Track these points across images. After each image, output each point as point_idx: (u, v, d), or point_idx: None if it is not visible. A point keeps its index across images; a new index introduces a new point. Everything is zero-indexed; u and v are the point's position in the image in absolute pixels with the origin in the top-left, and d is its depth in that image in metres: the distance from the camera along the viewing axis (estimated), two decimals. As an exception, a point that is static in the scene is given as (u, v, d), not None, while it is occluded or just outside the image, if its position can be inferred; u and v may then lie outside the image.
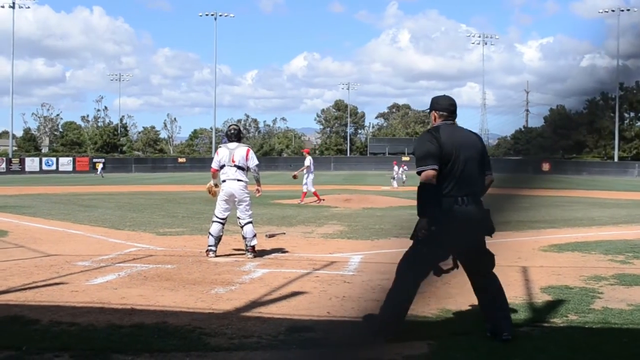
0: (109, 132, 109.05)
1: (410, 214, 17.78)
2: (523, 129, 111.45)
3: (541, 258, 10.65)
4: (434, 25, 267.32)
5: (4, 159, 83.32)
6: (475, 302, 6.12)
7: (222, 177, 10.64)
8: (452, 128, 5.86)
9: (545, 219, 16.61)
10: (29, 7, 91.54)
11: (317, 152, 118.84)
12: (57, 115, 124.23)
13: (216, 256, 10.48)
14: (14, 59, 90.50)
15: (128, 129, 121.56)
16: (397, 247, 11.71)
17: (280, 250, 11.34)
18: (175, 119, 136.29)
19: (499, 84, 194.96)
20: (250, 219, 10.67)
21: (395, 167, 42.64)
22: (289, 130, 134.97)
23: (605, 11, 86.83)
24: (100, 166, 75.94)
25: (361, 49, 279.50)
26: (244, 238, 10.62)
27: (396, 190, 36.13)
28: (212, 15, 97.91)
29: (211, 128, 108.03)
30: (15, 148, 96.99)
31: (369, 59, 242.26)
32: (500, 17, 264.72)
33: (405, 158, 75.62)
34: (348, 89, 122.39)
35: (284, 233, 13.94)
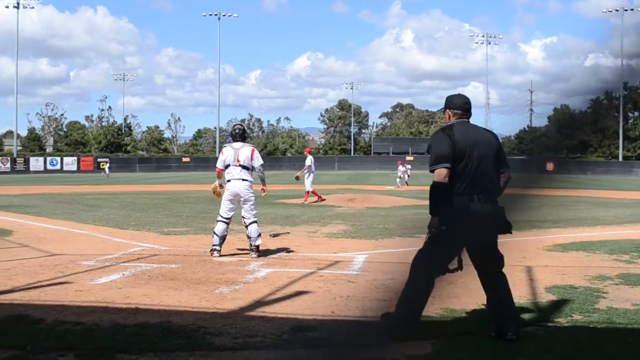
0: (113, 131, 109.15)
1: (414, 214, 17.81)
2: (527, 129, 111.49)
3: (546, 258, 10.63)
4: (437, 25, 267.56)
5: (9, 158, 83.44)
6: (480, 301, 6.12)
7: (227, 177, 10.65)
8: (466, 126, 5.88)
9: (549, 219, 16.58)
10: (33, 7, 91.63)
11: (320, 151, 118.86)
12: (62, 115, 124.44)
13: (220, 256, 10.49)
14: (19, 58, 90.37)
15: (132, 128, 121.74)
16: (402, 247, 11.76)
17: (285, 250, 11.35)
18: (179, 118, 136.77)
19: (502, 84, 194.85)
20: (255, 219, 10.68)
21: (401, 167, 42.59)
22: (293, 130, 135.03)
23: (609, 11, 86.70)
24: (107, 165, 76.04)
25: (364, 49, 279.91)
26: (249, 237, 10.62)
27: (400, 189, 36.11)
28: (215, 15, 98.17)
29: (215, 128, 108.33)
30: (19, 148, 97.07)
31: (372, 58, 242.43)
32: (503, 16, 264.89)
33: (410, 158, 75.57)
34: (352, 88, 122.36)
35: (288, 232, 13.95)
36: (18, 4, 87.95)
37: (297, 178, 24.72)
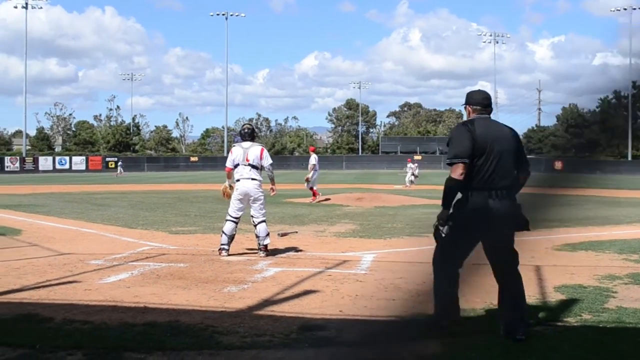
0: (122, 131, 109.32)
1: (423, 213, 17.76)
2: (535, 128, 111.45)
3: (554, 257, 10.59)
4: (444, 24, 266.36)
5: (18, 158, 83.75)
6: (489, 300, 6.10)
7: (236, 176, 10.66)
8: (487, 122, 5.89)
9: (558, 218, 16.50)
10: (41, 8, 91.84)
11: (328, 151, 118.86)
12: (70, 114, 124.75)
13: (229, 255, 10.50)
14: (27, 59, 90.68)
15: (140, 128, 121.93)
16: (410, 246, 11.75)
17: (293, 249, 11.35)
18: (187, 118, 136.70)
19: (510, 83, 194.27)
20: (264, 218, 10.69)
21: (410, 164, 42.52)
22: (301, 129, 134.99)
23: (618, 10, 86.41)
24: (119, 164, 76.24)
25: (372, 48, 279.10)
26: (257, 237, 10.63)
27: (408, 189, 36.07)
28: (223, 15, 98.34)
29: (223, 127, 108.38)
30: (28, 147, 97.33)
31: (380, 57, 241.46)
32: (511, 16, 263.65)
33: (418, 157, 75.47)
34: (359, 87, 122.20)
35: (296, 232, 13.95)
36: (26, 4, 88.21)
37: (307, 180, 24.71)
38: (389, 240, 12.78)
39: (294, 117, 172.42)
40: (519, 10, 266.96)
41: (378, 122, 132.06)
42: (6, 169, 79.04)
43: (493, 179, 5.64)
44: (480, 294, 6.72)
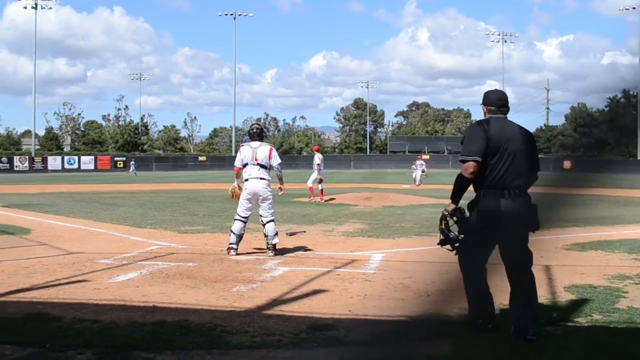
0: (130, 131, 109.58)
1: (431, 212, 17.70)
2: (544, 127, 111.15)
3: (564, 257, 10.55)
4: (452, 23, 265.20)
5: (27, 157, 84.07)
6: (499, 300, 6.07)
7: (244, 176, 10.66)
8: (502, 121, 5.91)
9: (568, 217, 16.44)
10: (50, 8, 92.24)
11: (336, 150, 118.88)
12: (79, 114, 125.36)
13: (237, 254, 10.50)
14: (37, 59, 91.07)
15: (149, 127, 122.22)
16: (419, 246, 11.73)
17: (301, 249, 11.34)
18: (195, 117, 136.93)
19: (519, 82, 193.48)
20: (273, 217, 10.69)
21: (419, 161, 42.43)
22: (309, 129, 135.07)
23: (626, 8, 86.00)
24: (132, 163, 76.45)
25: (380, 48, 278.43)
26: (266, 236, 10.63)
27: (416, 188, 36.02)
28: (231, 14, 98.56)
29: (231, 127, 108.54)
30: (37, 147, 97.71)
31: (388, 57, 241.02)
32: (519, 15, 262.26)
33: (426, 156, 75.35)
34: (367, 87, 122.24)
35: (305, 231, 13.94)
36: (36, 4, 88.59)
37: (320, 180, 24.74)
38: (397, 240, 12.76)
39: (302, 117, 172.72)
40: (527, 9, 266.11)
41: (386, 121, 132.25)
42: (15, 169, 79.42)
43: (506, 179, 5.65)
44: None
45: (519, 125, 5.98)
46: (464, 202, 5.82)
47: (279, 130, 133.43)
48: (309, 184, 24.72)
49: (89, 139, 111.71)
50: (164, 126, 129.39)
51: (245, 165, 10.66)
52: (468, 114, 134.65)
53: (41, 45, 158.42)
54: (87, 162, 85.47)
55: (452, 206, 5.80)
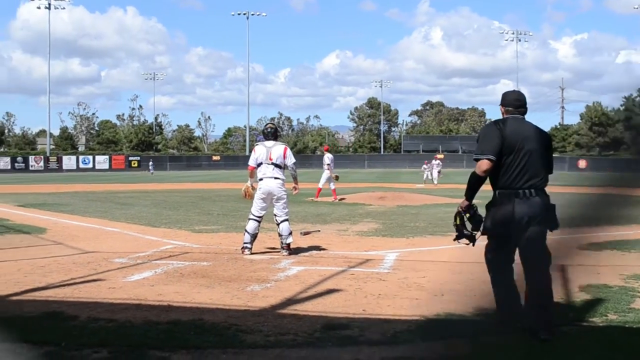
0: (144, 130, 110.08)
1: (445, 212, 17.63)
2: (559, 126, 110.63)
3: (579, 256, 10.49)
4: (466, 22, 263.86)
5: (42, 157, 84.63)
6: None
7: (259, 175, 10.67)
8: (518, 122, 5.91)
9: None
10: (64, 8, 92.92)
11: (350, 150, 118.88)
12: (93, 114, 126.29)
13: (251, 253, 10.51)
14: (51, 59, 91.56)
15: (163, 127, 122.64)
16: (433, 245, 11.70)
17: (315, 248, 11.34)
18: (209, 117, 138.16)
19: (533, 81, 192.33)
20: (287, 217, 10.69)
21: (438, 162, 42.37)
22: (323, 128, 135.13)
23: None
24: (150, 163, 76.83)
25: (393, 47, 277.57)
26: (280, 235, 10.64)
27: (431, 187, 35.96)
28: (244, 14, 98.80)
29: (245, 126, 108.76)
30: (52, 147, 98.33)
31: (401, 56, 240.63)
32: (532, 14, 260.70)
33: (440, 155, 75.24)
34: (381, 86, 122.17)
35: (319, 230, 13.95)
36: (49, 4, 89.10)
37: (336, 177, 24.75)
38: (411, 239, 12.74)
39: (316, 116, 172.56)
40: (540, 8, 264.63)
41: (400, 120, 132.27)
42: (31, 168, 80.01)
43: (521, 178, 5.66)
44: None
45: (535, 126, 5.97)
46: (481, 202, 5.82)
47: (292, 130, 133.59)
48: (320, 184, 24.66)
49: (104, 138, 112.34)
50: (177, 126, 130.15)
51: (259, 165, 10.67)
52: (482, 113, 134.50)
53: (55, 46, 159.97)
54: (102, 161, 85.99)
55: (466, 203, 5.89)
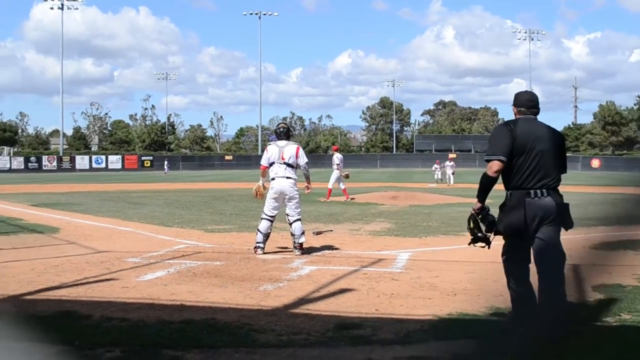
0: (157, 130, 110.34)
1: (457, 211, 17.58)
2: (572, 125, 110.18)
3: (592, 256, 10.45)
4: (478, 21, 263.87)
5: (55, 157, 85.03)
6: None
7: (271, 175, 10.68)
8: (530, 122, 5.89)
9: (595, 216, 16.31)
10: (77, 9, 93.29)
11: (362, 149, 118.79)
12: (106, 114, 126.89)
13: (264, 253, 10.52)
14: (64, 59, 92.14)
15: (175, 127, 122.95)
16: (446, 245, 11.68)
17: (328, 248, 11.34)
18: (221, 117, 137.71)
19: (546, 80, 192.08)
20: (299, 216, 10.70)
21: (452, 164, 42.29)
22: (335, 128, 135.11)
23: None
24: (166, 163, 77.11)
25: (406, 46, 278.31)
26: (292, 235, 10.64)
27: (445, 187, 35.88)
28: (256, 14, 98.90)
29: (257, 126, 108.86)
30: (65, 146, 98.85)
31: (413, 55, 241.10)
32: (545, 12, 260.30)
33: (452, 155, 75.05)
34: (393, 86, 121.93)
35: (331, 230, 13.94)
36: (62, 5, 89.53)
37: (346, 176, 24.75)
38: (424, 239, 12.72)
39: (328, 116, 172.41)
40: (553, 7, 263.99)
41: (412, 120, 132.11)
42: (44, 168, 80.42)
43: (533, 178, 5.64)
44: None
45: (548, 126, 5.94)
46: (493, 202, 5.81)
47: (305, 130, 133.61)
48: (330, 184, 24.64)
49: (116, 138, 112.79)
50: (190, 125, 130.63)
51: (271, 164, 10.68)
52: (495, 113, 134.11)
53: (68, 46, 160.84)
54: (115, 161, 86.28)
55: (478, 205, 5.89)
